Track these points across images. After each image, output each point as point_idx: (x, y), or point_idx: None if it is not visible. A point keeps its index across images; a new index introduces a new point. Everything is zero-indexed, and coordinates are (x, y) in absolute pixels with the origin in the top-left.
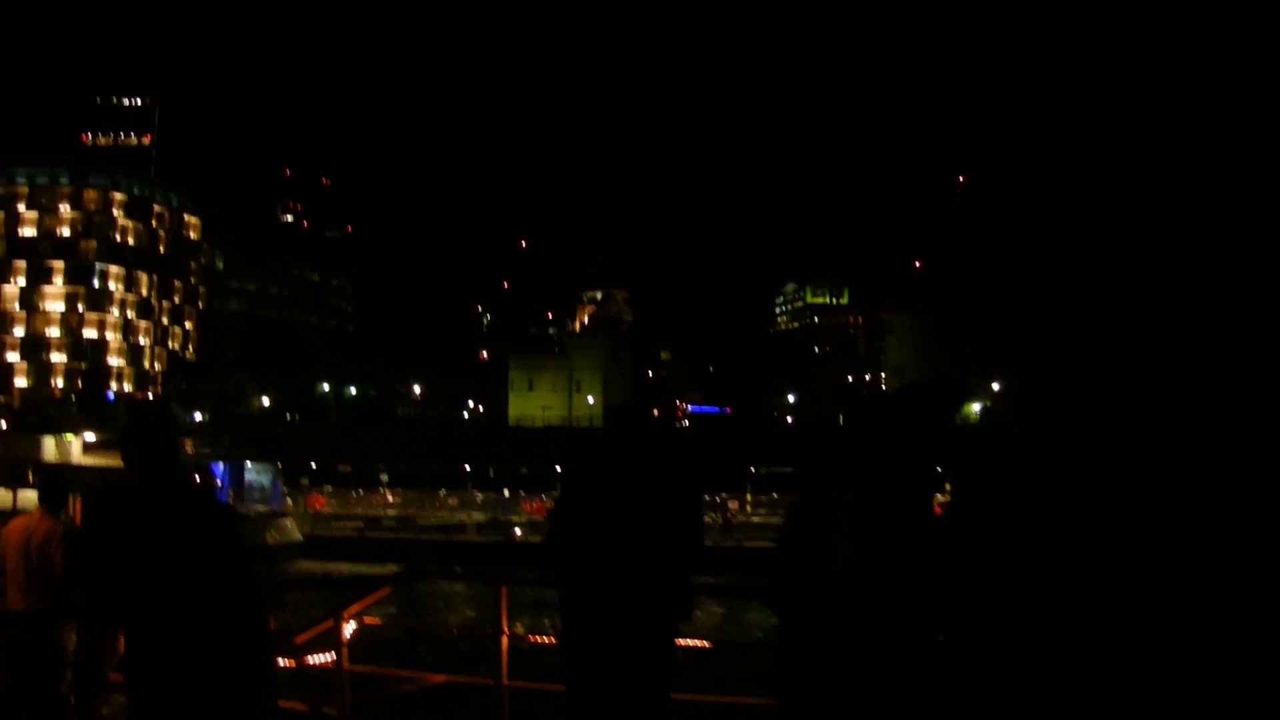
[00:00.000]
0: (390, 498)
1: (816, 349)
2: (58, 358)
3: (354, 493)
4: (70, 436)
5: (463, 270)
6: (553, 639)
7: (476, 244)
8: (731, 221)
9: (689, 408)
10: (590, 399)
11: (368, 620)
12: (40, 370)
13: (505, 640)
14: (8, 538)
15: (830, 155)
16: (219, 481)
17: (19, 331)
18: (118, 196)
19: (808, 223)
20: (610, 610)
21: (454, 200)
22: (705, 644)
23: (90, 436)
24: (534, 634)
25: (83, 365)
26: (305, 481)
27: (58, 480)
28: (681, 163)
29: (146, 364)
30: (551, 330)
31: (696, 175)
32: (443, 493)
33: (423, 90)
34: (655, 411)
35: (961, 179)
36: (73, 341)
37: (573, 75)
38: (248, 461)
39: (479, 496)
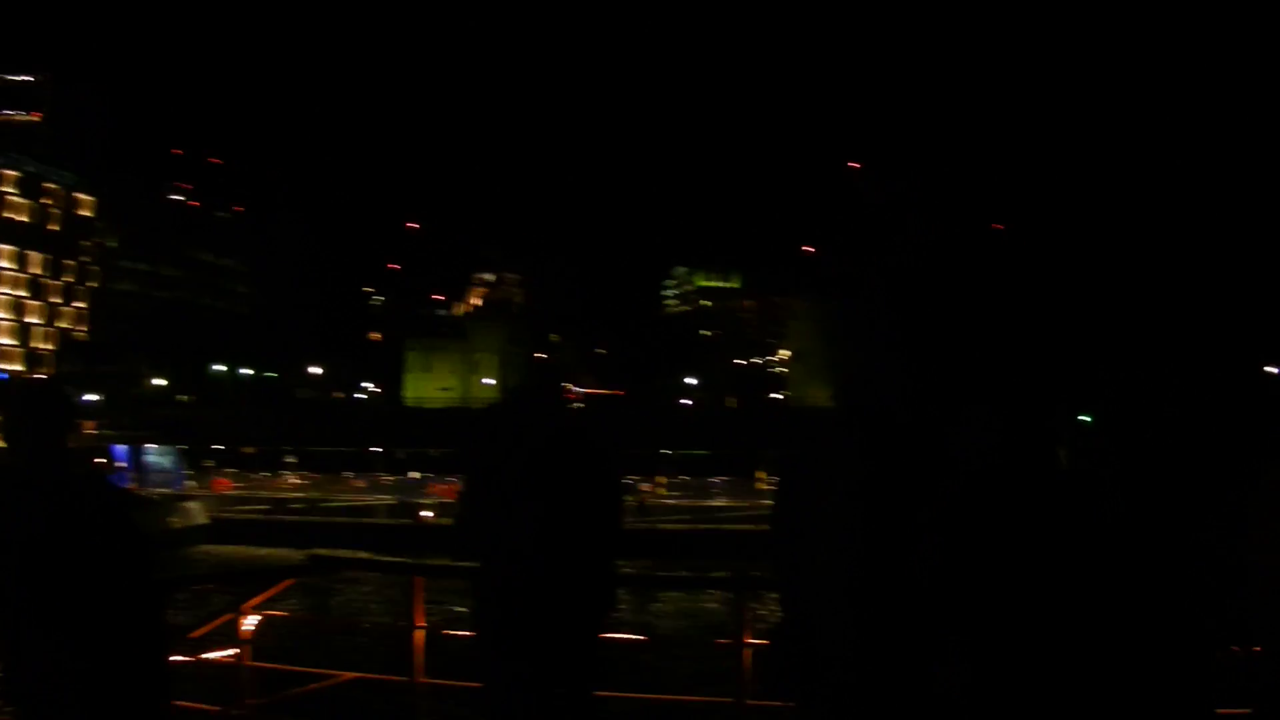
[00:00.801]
0: (295, 480)
1: (709, 333)
2: None
3: (258, 475)
4: None
5: (353, 252)
6: (467, 632)
7: (367, 226)
8: (622, 205)
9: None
10: (489, 381)
11: (272, 613)
12: None
13: (420, 635)
14: None
15: (723, 141)
16: (121, 464)
17: None
18: (9, 174)
19: (698, 206)
20: (528, 601)
21: (345, 182)
22: (641, 638)
23: None
24: (451, 628)
25: None
26: (210, 464)
27: None
28: (573, 146)
29: (37, 344)
30: (441, 312)
31: (588, 158)
32: (349, 475)
33: (314, 72)
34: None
35: (854, 165)
36: None
37: (462, 57)
38: (149, 444)
39: (386, 479)
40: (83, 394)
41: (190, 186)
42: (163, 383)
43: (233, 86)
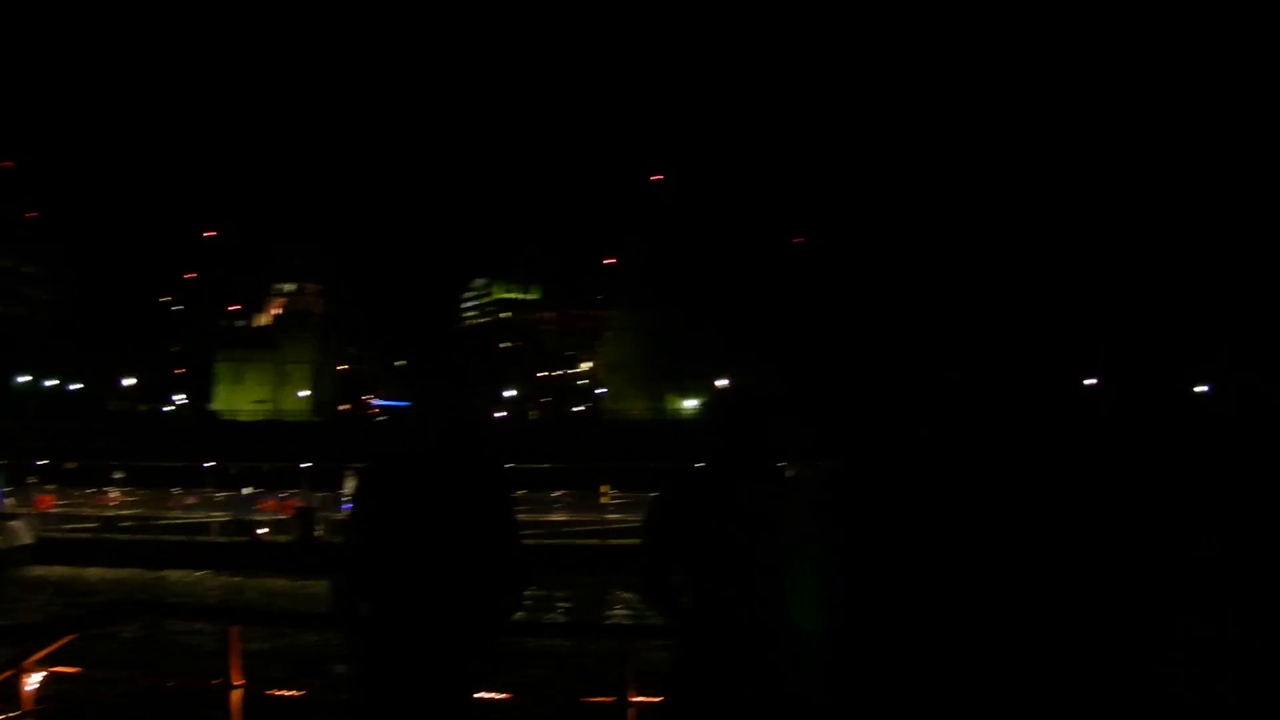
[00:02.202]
0: (120, 496)
1: (509, 344)
2: None
3: (83, 492)
4: None
5: (151, 260)
6: (297, 691)
7: (164, 233)
8: (422, 215)
9: (375, 402)
10: (303, 393)
11: (62, 669)
12: None
13: (238, 694)
14: None
15: (524, 150)
16: None
17: None
18: None
19: (499, 218)
20: (418, 656)
21: (142, 188)
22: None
23: None
24: (278, 686)
25: None
26: (33, 480)
27: None
28: (372, 154)
29: None
30: (240, 322)
31: (387, 167)
32: (177, 490)
33: (110, 74)
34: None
35: (657, 177)
36: None
37: (263, 57)
38: None
39: (218, 495)
40: None
41: None
42: None
43: (25, 85)
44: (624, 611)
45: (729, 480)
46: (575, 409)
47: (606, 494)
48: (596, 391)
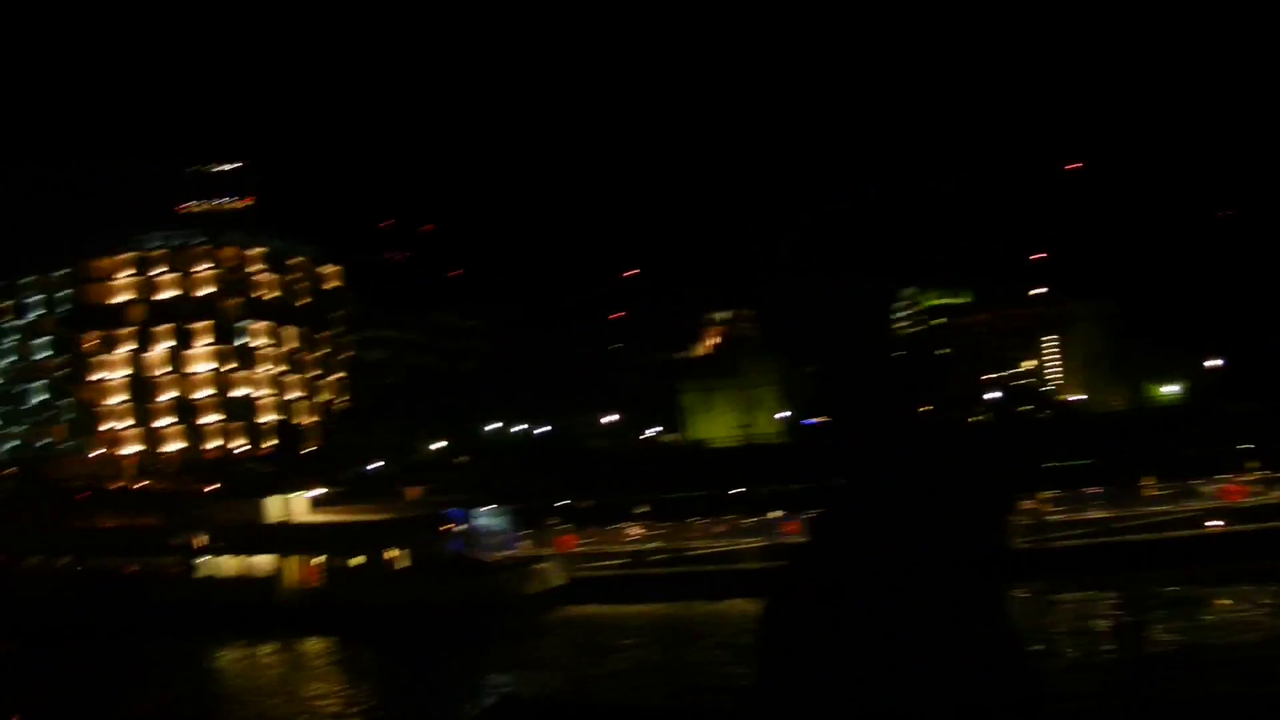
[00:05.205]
0: (642, 530)
1: (946, 350)
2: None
3: (602, 529)
4: (297, 494)
5: (574, 303)
6: None
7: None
8: (848, 226)
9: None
10: (778, 415)
11: None
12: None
13: None
14: None
15: (938, 154)
16: (460, 526)
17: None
18: (254, 252)
19: (922, 223)
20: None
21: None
22: None
23: (315, 493)
24: None
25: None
26: (554, 521)
27: None
28: (789, 176)
29: (301, 418)
30: (678, 354)
31: (807, 185)
32: (698, 520)
33: (501, 137)
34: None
35: (1074, 165)
36: (223, 401)
37: (661, 110)
38: (477, 507)
39: (746, 521)
40: (363, 463)
41: (402, 255)
42: (440, 445)
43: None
44: None
45: None
46: (1023, 408)
47: (1149, 485)
48: (1042, 389)
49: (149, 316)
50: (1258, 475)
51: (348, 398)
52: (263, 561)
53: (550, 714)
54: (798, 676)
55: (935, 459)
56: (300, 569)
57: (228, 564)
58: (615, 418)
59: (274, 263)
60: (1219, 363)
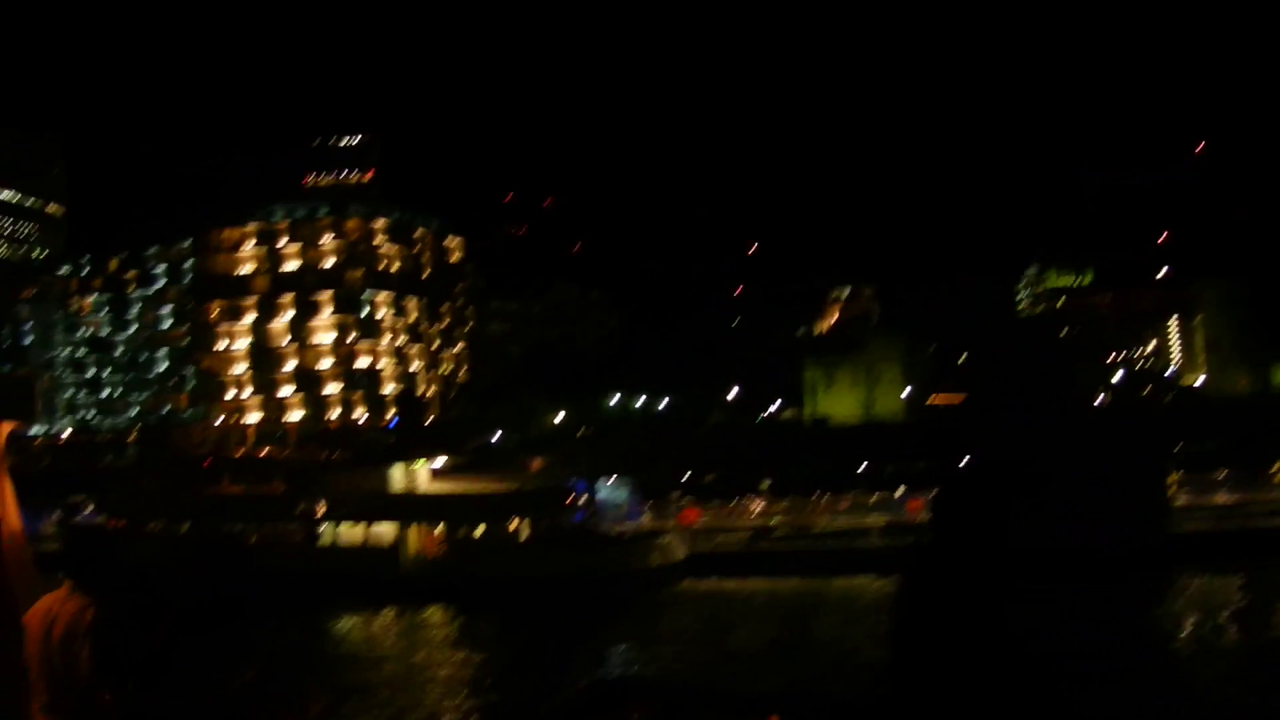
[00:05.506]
0: (764, 505)
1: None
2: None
3: (723, 504)
4: (420, 463)
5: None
6: None
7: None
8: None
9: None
10: (903, 393)
11: None
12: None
13: None
14: (29, 628)
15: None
16: (585, 498)
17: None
18: (378, 224)
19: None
20: None
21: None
22: None
23: (438, 463)
24: None
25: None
26: (676, 495)
27: (91, 543)
28: (906, 160)
29: (421, 389)
30: (800, 330)
31: (925, 170)
32: (822, 496)
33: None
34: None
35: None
36: (345, 371)
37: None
38: (600, 478)
39: (867, 498)
40: (487, 435)
41: (523, 229)
42: (559, 418)
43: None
44: None
45: None
46: (1145, 390)
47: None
48: (1167, 373)
49: (272, 287)
50: None
51: (469, 370)
52: (385, 531)
53: (644, 698)
54: (936, 660)
55: (1083, 439)
56: (422, 539)
57: (350, 533)
58: (736, 393)
59: (397, 235)
60: None
